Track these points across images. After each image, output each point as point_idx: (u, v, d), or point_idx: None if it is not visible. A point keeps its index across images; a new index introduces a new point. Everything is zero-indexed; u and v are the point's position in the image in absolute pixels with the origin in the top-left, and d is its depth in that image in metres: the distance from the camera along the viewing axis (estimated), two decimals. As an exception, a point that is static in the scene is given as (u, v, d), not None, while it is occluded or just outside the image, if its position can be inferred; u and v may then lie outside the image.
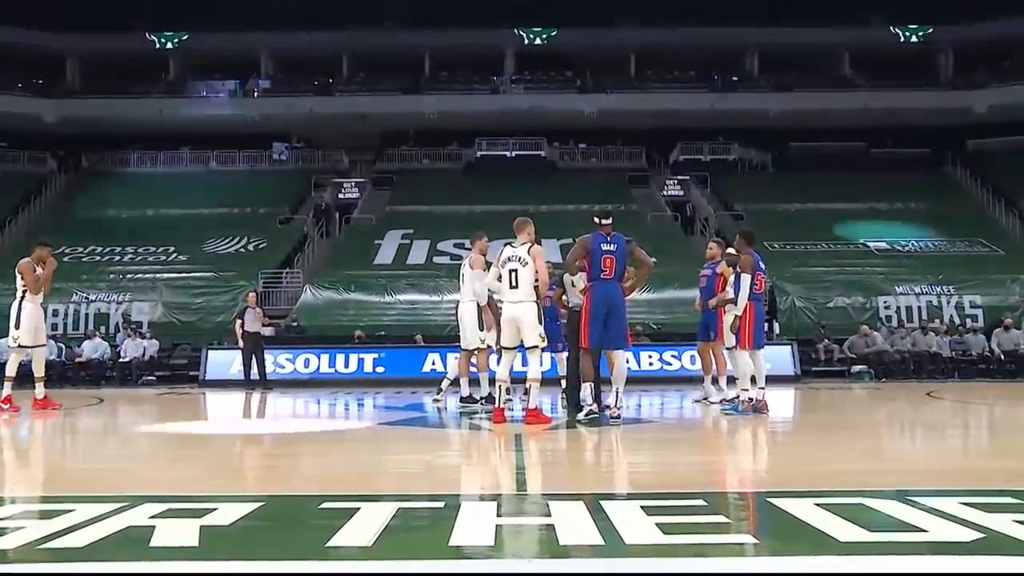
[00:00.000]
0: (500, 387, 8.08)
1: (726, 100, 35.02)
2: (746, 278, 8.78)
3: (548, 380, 9.95)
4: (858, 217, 28.59)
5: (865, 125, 34.43)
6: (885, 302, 21.97)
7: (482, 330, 9.45)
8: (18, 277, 10.15)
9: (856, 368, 18.65)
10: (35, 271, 10.13)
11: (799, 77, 35.76)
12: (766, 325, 19.28)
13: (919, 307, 21.85)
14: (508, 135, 36.12)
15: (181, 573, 2.64)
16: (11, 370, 10.16)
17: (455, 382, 10.37)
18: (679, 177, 33.55)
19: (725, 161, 35.61)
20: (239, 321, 16.37)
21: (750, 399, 8.84)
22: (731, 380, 9.57)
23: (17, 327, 10.06)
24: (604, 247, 7.83)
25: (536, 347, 7.96)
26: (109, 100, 34.44)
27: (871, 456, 6.04)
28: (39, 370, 10.32)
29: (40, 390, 10.26)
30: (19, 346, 10.12)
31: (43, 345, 10.46)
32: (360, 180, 34.08)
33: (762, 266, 9.03)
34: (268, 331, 18.40)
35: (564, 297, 9.18)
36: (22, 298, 10.10)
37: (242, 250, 26.79)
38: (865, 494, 3.82)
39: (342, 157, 36.67)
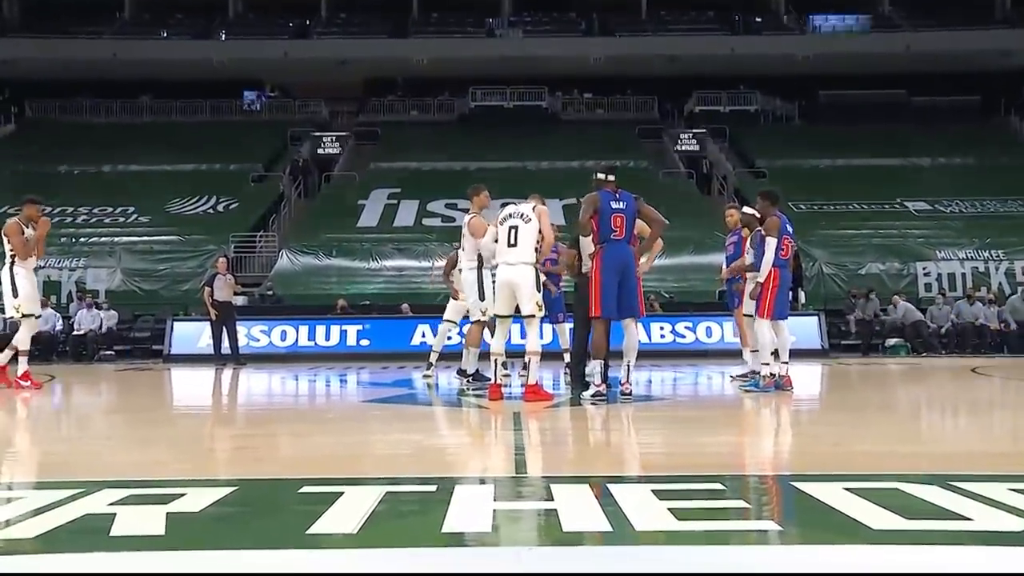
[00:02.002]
0: (495, 360, 8.09)
1: (748, 44, 34.78)
2: (771, 241, 8.77)
3: (548, 353, 9.97)
4: (895, 174, 28.50)
5: (906, 70, 34.16)
6: (924, 268, 21.97)
7: (483, 300, 9.42)
8: (4, 241, 9.97)
9: (891, 342, 18.69)
10: (23, 233, 9.96)
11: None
12: (790, 294, 19.47)
13: (963, 274, 21.84)
14: (505, 83, 35.92)
15: (146, 574, 2.63)
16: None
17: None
18: (695, 130, 33.44)
19: (746, 112, 35.47)
20: (208, 289, 16.38)
21: (772, 375, 8.87)
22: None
23: (16, 295, 9.87)
24: (613, 205, 7.83)
25: (534, 316, 7.97)
26: (55, 40, 33.96)
27: (907, 437, 6.07)
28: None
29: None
30: (23, 315, 9.98)
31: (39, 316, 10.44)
32: (341, 133, 33.95)
33: (789, 229, 9.02)
34: (240, 300, 18.39)
35: (577, 261, 9.07)
36: (12, 264, 9.90)
37: (210, 211, 26.73)
38: (901, 478, 3.83)
39: (321, 108, 36.48)
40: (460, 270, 10.01)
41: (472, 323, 9.74)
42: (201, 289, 17.14)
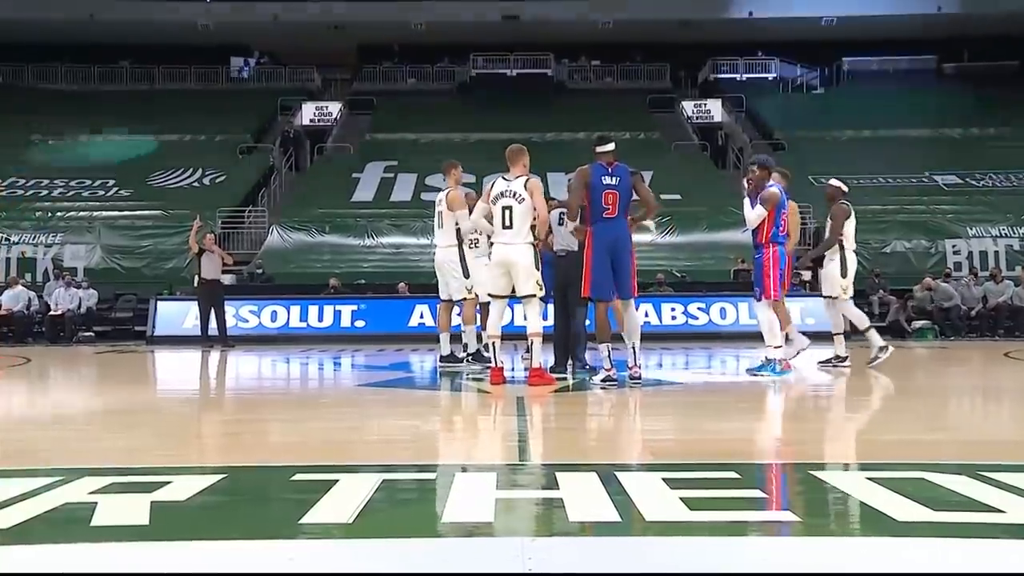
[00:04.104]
0: (492, 343, 8.11)
1: (766, 7, 34.58)
2: (760, 211, 8.74)
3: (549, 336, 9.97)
4: (924, 145, 28.40)
5: (936, 34, 33.93)
6: (954, 246, 21.91)
7: (467, 277, 9.52)
8: None
9: (918, 324, 18.66)
10: None
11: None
12: (808, 273, 19.46)
13: (996, 252, 21.77)
14: (508, 50, 35.77)
15: (130, 573, 2.64)
16: None
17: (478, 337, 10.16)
18: (709, 99, 33.31)
19: (764, 80, 35.35)
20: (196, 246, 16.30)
21: (783, 359, 8.90)
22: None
23: None
24: (606, 180, 7.77)
25: (533, 296, 7.99)
26: (26, -1, 33.82)
27: (935, 424, 6.07)
28: None
29: None
30: None
31: None
32: (335, 103, 33.84)
33: (786, 203, 9.00)
34: (228, 279, 18.36)
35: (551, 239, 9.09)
36: None
37: (196, 184, 26.71)
38: (927, 467, 3.84)
39: (313, 75, 36.38)
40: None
41: (461, 302, 9.80)
42: (190, 260, 17.03)
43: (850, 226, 9.94)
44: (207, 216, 23.09)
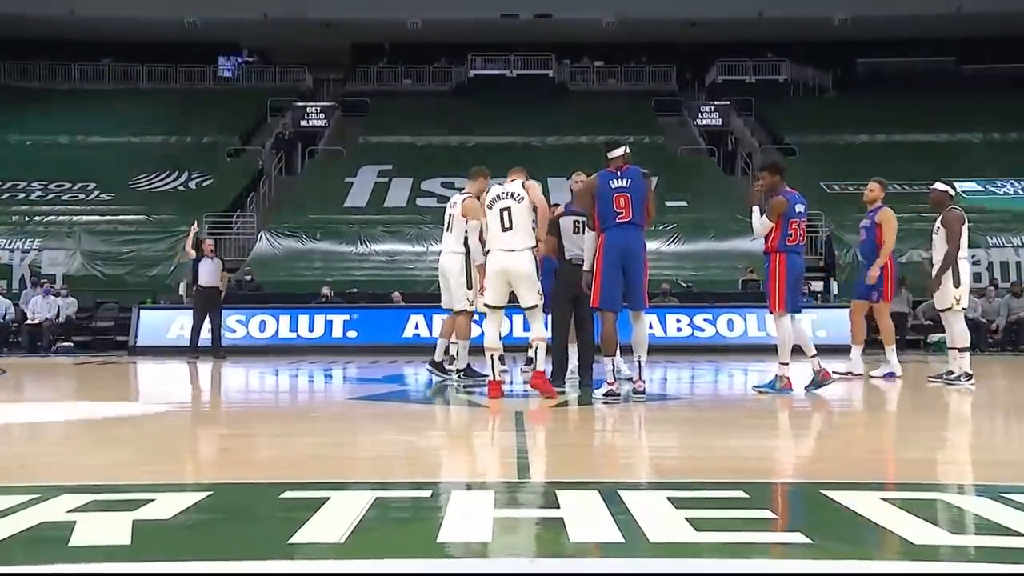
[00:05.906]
0: (491, 356, 8.12)
1: (778, 5, 34.68)
2: (766, 222, 8.68)
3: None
4: (942, 151, 28.42)
5: (955, 34, 34.03)
6: (974, 256, 21.87)
7: (470, 288, 9.52)
8: None
9: (934, 337, 18.67)
10: None
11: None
12: (822, 284, 19.45)
13: (1018, 263, 21.81)
14: (508, 50, 35.87)
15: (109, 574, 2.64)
16: None
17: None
18: (717, 102, 33.37)
19: (775, 82, 35.42)
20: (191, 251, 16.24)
21: (787, 376, 8.85)
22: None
23: None
24: (614, 184, 7.79)
25: (536, 307, 8.02)
26: (1, -7, 33.85)
27: (953, 443, 6.08)
28: None
29: None
30: None
31: None
32: (327, 104, 33.91)
33: (799, 209, 8.90)
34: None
35: (558, 246, 9.11)
36: None
37: (181, 188, 26.76)
38: (945, 488, 3.85)
39: (305, 75, 36.47)
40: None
41: (457, 314, 9.77)
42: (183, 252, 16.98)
43: (964, 233, 9.71)
44: (192, 221, 23.11)
